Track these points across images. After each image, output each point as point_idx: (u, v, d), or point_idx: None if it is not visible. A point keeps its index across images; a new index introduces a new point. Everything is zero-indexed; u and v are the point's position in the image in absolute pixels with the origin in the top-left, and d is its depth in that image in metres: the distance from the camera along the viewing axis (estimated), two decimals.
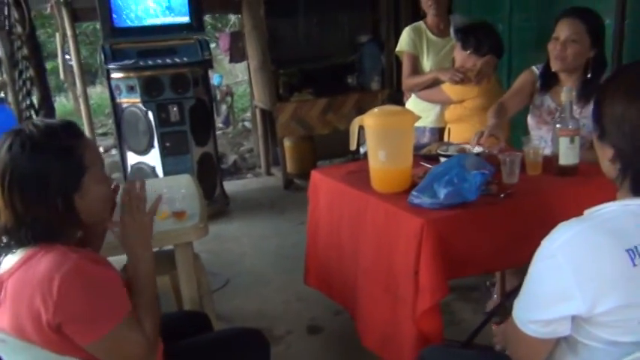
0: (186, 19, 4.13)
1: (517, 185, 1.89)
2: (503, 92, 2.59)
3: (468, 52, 2.68)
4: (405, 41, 3.03)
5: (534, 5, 3.47)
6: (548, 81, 2.28)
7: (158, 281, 1.45)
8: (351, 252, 2.03)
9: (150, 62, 3.90)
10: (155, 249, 2.09)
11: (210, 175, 4.31)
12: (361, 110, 4.38)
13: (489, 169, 1.77)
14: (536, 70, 2.36)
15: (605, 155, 1.07)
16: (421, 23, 3.05)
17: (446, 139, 2.67)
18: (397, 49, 3.10)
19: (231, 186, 5.14)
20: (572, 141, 1.88)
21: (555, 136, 1.95)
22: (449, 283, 1.68)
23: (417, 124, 2.85)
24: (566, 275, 0.96)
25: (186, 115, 4.03)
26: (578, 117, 2.05)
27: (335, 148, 5.17)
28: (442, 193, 1.67)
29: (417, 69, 3.02)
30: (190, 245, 1.93)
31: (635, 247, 0.94)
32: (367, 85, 5.22)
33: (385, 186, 1.87)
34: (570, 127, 1.90)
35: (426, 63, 3.00)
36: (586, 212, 1.04)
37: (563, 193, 1.84)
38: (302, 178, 4.87)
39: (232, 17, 8.99)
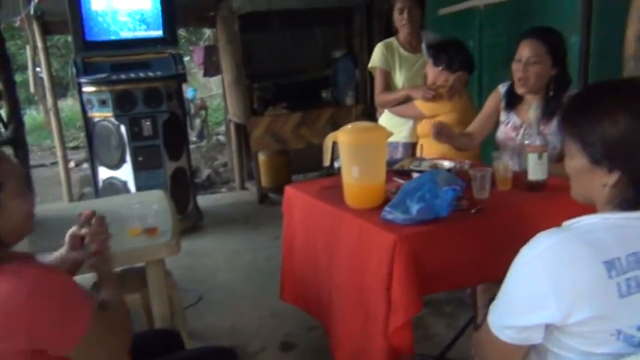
0: (159, 33, 4.11)
1: (488, 200, 1.91)
2: (475, 108, 2.64)
3: (440, 68, 2.73)
4: (377, 57, 3.06)
5: (503, 23, 3.55)
6: (513, 99, 2.34)
7: (129, 299, 1.44)
8: (326, 267, 2.03)
9: (122, 76, 3.87)
10: (126, 266, 2.07)
11: (183, 189, 4.28)
12: (335, 125, 4.42)
13: (460, 184, 1.79)
14: (501, 88, 2.42)
15: (598, 180, 1.04)
16: (393, 39, 3.09)
17: (418, 154, 2.70)
18: (370, 64, 3.14)
19: (204, 200, 5.11)
20: (540, 157, 1.92)
21: (524, 152, 1.99)
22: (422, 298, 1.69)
23: (390, 139, 2.88)
24: (542, 283, 0.97)
25: (160, 130, 4.00)
26: (526, 134, 2.10)
27: (310, 163, 5.19)
28: (414, 209, 1.69)
29: (389, 85, 3.05)
30: (162, 262, 1.90)
31: (613, 260, 0.96)
32: (341, 99, 5.26)
33: (358, 202, 1.88)
34: (538, 143, 1.94)
35: (399, 78, 3.04)
36: (565, 224, 1.05)
37: (532, 207, 1.87)
38: (276, 192, 4.86)
39: (207, 31, 8.98)
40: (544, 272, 0.97)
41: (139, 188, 3.92)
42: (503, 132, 2.40)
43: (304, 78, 5.45)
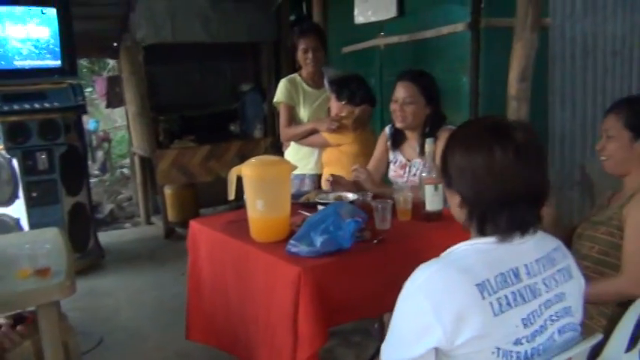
0: (57, 63, 3.93)
1: (389, 231, 1.98)
2: (376, 141, 2.75)
3: (343, 102, 2.83)
4: (281, 92, 3.13)
5: (402, 62, 3.76)
6: (397, 139, 2.54)
7: (18, 349, 1.33)
8: (238, 301, 2.01)
9: (15, 107, 3.64)
10: (15, 311, 1.92)
11: (83, 226, 4.06)
12: (244, 157, 4.40)
13: (363, 216, 1.85)
14: (387, 130, 2.60)
15: (454, 201, 1.18)
16: (296, 75, 3.18)
17: (323, 186, 2.76)
18: (274, 100, 3.19)
19: (107, 237, 4.87)
20: (436, 188, 2.04)
21: (421, 184, 2.10)
22: (331, 328, 1.71)
23: (297, 171, 2.95)
24: (426, 311, 1.02)
25: (57, 163, 3.80)
26: (424, 167, 2.25)
27: (218, 196, 5.08)
28: (319, 241, 1.72)
29: (293, 119, 3.12)
30: (55, 305, 1.78)
31: (483, 282, 1.03)
32: (250, 132, 5.29)
33: (264, 235, 1.88)
34: (434, 175, 2.06)
35: (303, 113, 3.12)
36: (443, 253, 1.14)
37: (430, 236, 1.96)
38: (184, 226, 4.74)
39: (110, 61, 8.71)
40: (426, 302, 1.03)
41: (32, 226, 3.66)
42: (392, 170, 2.57)
43: (212, 111, 5.43)
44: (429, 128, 2.39)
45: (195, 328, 2.26)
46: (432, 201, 2.06)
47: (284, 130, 3.13)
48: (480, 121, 1.23)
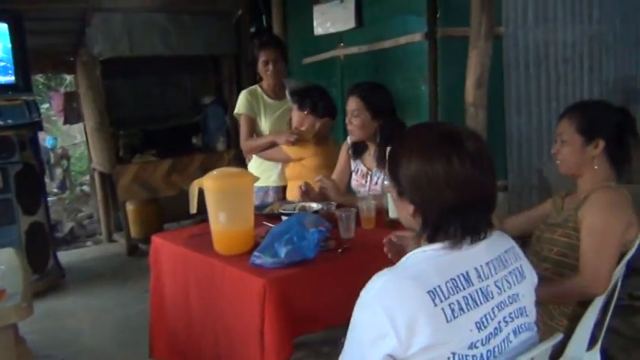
0: (11, 79, 3.83)
1: (353, 240, 2.00)
2: (338, 152, 2.77)
3: (305, 112, 2.84)
4: (242, 104, 3.11)
5: (362, 72, 3.81)
6: (357, 149, 2.59)
7: None
8: (201, 317, 1.98)
9: None
10: None
11: (41, 245, 3.93)
12: (207, 170, 4.31)
13: (327, 225, 1.85)
14: (349, 140, 2.64)
15: (405, 210, 1.17)
16: (257, 87, 3.17)
17: (288, 197, 2.75)
18: (235, 111, 3.17)
19: (67, 256, 4.74)
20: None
21: (384, 192, 2.13)
22: (300, 339, 1.69)
23: (261, 183, 2.95)
24: (380, 319, 1.02)
25: (11, 182, 3.68)
26: (386, 176, 2.27)
27: (183, 210, 4.95)
28: (283, 252, 1.71)
29: (253, 131, 3.11)
30: (12, 328, 1.72)
31: (434, 289, 1.04)
32: (213, 145, 5.24)
33: (227, 248, 1.87)
34: None
35: (264, 125, 3.10)
36: (397, 262, 1.14)
37: None
38: (148, 242, 4.60)
39: (67, 76, 8.52)
40: (380, 310, 1.03)
41: None
42: (354, 180, 2.60)
43: (173, 124, 5.36)
44: (381, 139, 2.44)
45: (159, 346, 2.22)
46: (394, 208, 2.08)
47: (244, 143, 3.12)
48: (429, 129, 1.21)
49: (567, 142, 1.76)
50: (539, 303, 1.72)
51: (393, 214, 2.08)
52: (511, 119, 3.64)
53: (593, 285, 1.63)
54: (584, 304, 1.68)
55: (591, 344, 1.73)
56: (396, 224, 2.07)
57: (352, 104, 2.44)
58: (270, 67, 3.06)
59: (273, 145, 2.93)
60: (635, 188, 1.91)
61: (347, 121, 2.48)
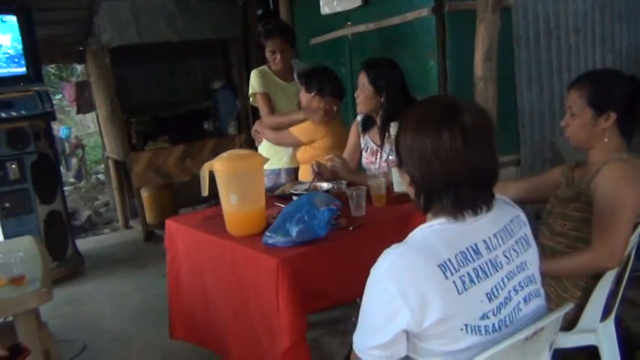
0: (22, 70, 3.87)
1: (365, 217, 2.01)
2: (347, 132, 2.76)
3: (312, 94, 2.83)
4: (256, 83, 3.10)
5: (370, 50, 3.78)
6: (366, 123, 2.62)
7: None
8: (216, 297, 2.01)
9: None
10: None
11: (59, 234, 4.01)
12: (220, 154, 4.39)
13: (338, 204, 1.86)
14: (359, 118, 2.66)
15: (405, 180, 1.20)
16: (266, 67, 3.16)
17: (300, 178, 2.76)
18: (250, 91, 3.15)
19: (86, 244, 4.82)
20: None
21: (389, 167, 2.14)
22: (316, 318, 1.71)
23: (273, 166, 2.97)
24: (392, 295, 1.04)
25: (28, 172, 3.74)
26: (391, 150, 2.31)
27: (197, 194, 4.96)
28: (294, 231, 1.73)
29: (273, 107, 3.09)
30: (33, 313, 1.77)
31: (445, 262, 1.05)
32: (224, 129, 5.26)
33: (240, 229, 1.89)
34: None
35: (277, 104, 3.10)
36: (406, 238, 1.15)
37: (404, 220, 1.98)
38: (163, 228, 4.67)
39: (78, 66, 8.58)
40: (392, 286, 1.04)
41: (8, 236, 3.60)
42: (365, 157, 2.61)
43: (184, 110, 5.39)
44: (383, 114, 2.47)
45: (178, 327, 2.27)
46: (400, 182, 2.10)
47: (268, 118, 3.05)
48: (431, 103, 1.22)
49: (577, 116, 1.72)
50: (552, 277, 1.74)
51: (399, 187, 2.09)
52: (522, 92, 3.60)
53: (606, 259, 1.62)
54: (598, 276, 1.67)
55: (606, 314, 1.73)
56: (402, 198, 2.08)
57: (360, 79, 2.51)
58: (278, 56, 3.05)
59: (299, 121, 2.86)
60: None
61: (355, 95, 2.54)
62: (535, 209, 2.11)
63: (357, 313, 1.13)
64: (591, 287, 1.69)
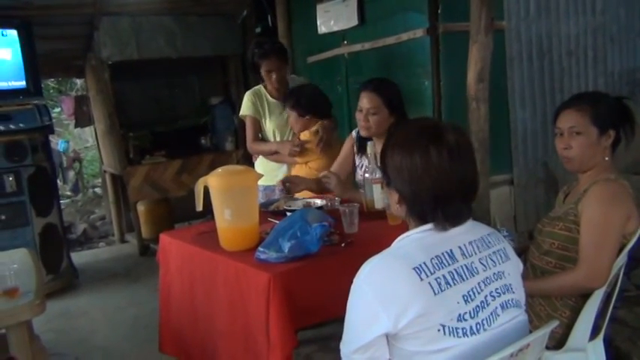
0: (22, 84, 3.91)
1: (357, 234, 2.02)
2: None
3: (303, 116, 2.85)
4: (246, 106, 3.14)
5: (366, 69, 3.83)
6: (363, 143, 2.52)
7: None
8: (206, 315, 2.01)
9: None
10: None
11: (55, 247, 4.02)
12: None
13: (330, 220, 1.88)
14: (354, 134, 2.62)
15: (393, 199, 1.25)
16: (261, 87, 3.18)
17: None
18: (240, 113, 3.19)
19: (81, 257, 4.83)
20: (382, 187, 2.08)
21: (366, 183, 2.19)
22: (309, 334, 1.71)
23: (267, 182, 2.99)
24: (371, 300, 1.11)
25: (25, 185, 3.76)
26: (368, 167, 2.32)
27: (193, 210, 4.94)
28: (286, 246, 1.75)
29: (259, 132, 3.15)
30: (26, 326, 1.78)
31: (420, 265, 1.11)
32: (221, 145, 5.29)
33: (233, 244, 1.91)
34: (377, 176, 2.13)
35: (269, 125, 3.12)
36: (387, 249, 1.22)
37: (396, 237, 2.00)
38: (159, 242, 4.71)
39: (78, 80, 8.63)
40: (371, 292, 1.11)
41: (3, 249, 3.58)
42: (359, 174, 2.58)
43: (182, 125, 5.42)
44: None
45: (168, 341, 2.27)
46: (379, 199, 2.16)
47: (251, 145, 3.16)
48: (415, 124, 1.29)
49: (583, 135, 1.72)
50: (542, 296, 1.76)
51: (379, 204, 2.12)
52: (515, 113, 3.64)
53: (592, 278, 1.64)
54: (587, 295, 1.69)
55: (595, 333, 1.75)
56: (381, 214, 2.11)
57: (369, 101, 2.38)
58: (274, 75, 3.05)
59: (276, 153, 2.97)
60: None
61: (359, 118, 2.41)
62: (529, 229, 2.13)
63: None
64: (580, 306, 1.71)
